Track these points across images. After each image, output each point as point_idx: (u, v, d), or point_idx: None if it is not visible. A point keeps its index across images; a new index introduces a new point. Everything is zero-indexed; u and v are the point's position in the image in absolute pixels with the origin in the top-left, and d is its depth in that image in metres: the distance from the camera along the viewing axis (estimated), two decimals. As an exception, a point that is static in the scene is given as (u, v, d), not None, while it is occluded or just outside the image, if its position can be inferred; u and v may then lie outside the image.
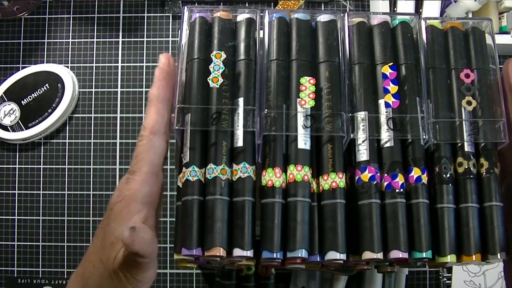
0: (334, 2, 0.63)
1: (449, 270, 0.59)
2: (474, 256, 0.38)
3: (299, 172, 0.38)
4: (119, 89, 0.64)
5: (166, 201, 0.61)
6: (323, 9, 0.63)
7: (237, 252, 0.37)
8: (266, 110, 0.39)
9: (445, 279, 0.58)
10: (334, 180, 0.38)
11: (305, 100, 0.39)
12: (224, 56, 0.40)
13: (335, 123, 0.39)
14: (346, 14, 0.42)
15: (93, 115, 0.64)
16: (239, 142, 0.39)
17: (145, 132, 0.36)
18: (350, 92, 0.40)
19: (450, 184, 0.39)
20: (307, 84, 0.39)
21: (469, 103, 0.40)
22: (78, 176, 0.63)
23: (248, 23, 0.41)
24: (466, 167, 0.39)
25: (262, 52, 0.41)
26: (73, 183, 0.63)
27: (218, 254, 0.37)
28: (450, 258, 0.38)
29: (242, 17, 0.42)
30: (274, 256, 0.37)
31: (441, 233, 0.38)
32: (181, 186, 0.39)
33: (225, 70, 0.40)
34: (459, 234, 0.39)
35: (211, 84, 0.39)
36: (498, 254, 0.38)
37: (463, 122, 0.40)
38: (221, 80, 0.39)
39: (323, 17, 0.42)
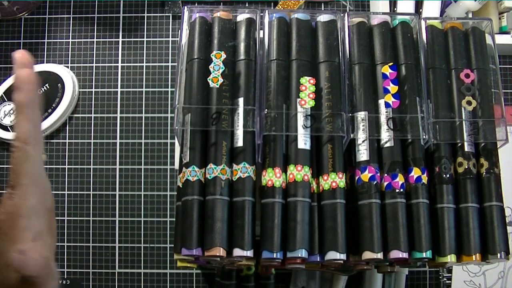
0: (334, 2, 0.63)
1: (449, 270, 0.59)
2: (474, 256, 0.38)
3: (299, 172, 0.38)
4: (119, 89, 0.64)
5: (166, 201, 0.61)
6: (323, 9, 0.63)
7: (237, 252, 0.37)
8: (266, 110, 0.39)
9: (445, 279, 0.58)
10: (334, 180, 0.38)
11: (305, 100, 0.39)
12: (224, 56, 0.40)
13: (335, 123, 0.39)
14: (346, 14, 0.42)
15: (93, 115, 0.64)
16: (239, 142, 0.39)
17: (18, 143, 0.33)
18: (350, 92, 0.40)
19: (450, 184, 0.39)
20: (307, 84, 0.39)
21: (469, 103, 0.40)
22: (78, 176, 0.63)
23: (248, 23, 0.41)
24: (466, 167, 0.39)
25: (262, 52, 0.41)
26: (73, 183, 0.62)
27: (218, 254, 0.37)
28: (450, 258, 0.38)
29: (242, 17, 0.42)
30: (274, 256, 0.37)
31: (441, 233, 0.38)
32: (181, 186, 0.39)
33: (225, 70, 0.39)
34: (459, 234, 0.39)
35: (211, 84, 0.39)
36: (498, 254, 0.38)
37: (463, 122, 0.40)
38: (221, 80, 0.39)
39: (323, 17, 0.42)
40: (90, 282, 0.61)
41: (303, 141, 0.39)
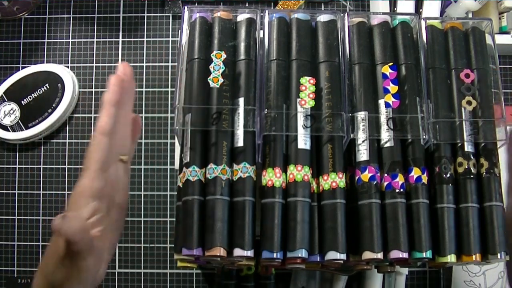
0: (334, 2, 0.63)
1: (449, 270, 0.59)
2: (474, 256, 0.38)
3: (299, 172, 0.38)
4: (119, 89, 0.64)
5: (166, 201, 0.61)
6: (323, 9, 0.63)
7: (237, 252, 0.37)
8: (266, 110, 0.39)
9: (445, 279, 0.58)
10: (334, 180, 0.38)
11: (305, 100, 0.39)
12: (224, 56, 0.40)
13: (335, 123, 0.39)
14: (346, 14, 0.42)
15: (93, 115, 0.64)
16: (240, 142, 0.39)
17: (96, 133, 0.38)
18: (350, 92, 0.40)
19: (450, 184, 0.39)
20: (307, 84, 0.39)
21: (469, 103, 0.40)
22: (78, 176, 0.62)
23: (248, 23, 0.41)
24: (466, 167, 0.39)
25: (262, 52, 0.41)
26: (73, 183, 0.62)
27: (218, 254, 0.37)
28: (450, 258, 0.38)
29: (242, 17, 0.42)
30: (274, 256, 0.37)
31: (441, 233, 0.38)
32: (181, 186, 0.39)
33: (225, 70, 0.39)
34: (459, 234, 0.39)
35: (212, 84, 0.39)
36: (498, 254, 0.38)
37: (463, 122, 0.40)
38: (221, 80, 0.39)
39: (323, 17, 0.42)
40: (90, 282, 0.61)
41: (303, 141, 0.39)
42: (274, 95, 0.39)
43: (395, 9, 0.59)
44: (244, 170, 0.38)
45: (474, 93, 0.40)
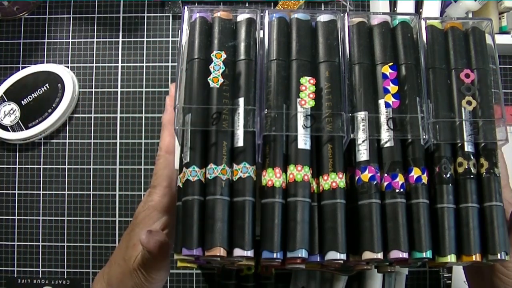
0: (334, 2, 0.63)
1: (449, 270, 0.59)
2: (474, 256, 0.38)
3: (299, 172, 0.38)
4: (119, 89, 0.64)
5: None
6: (323, 9, 0.63)
7: (237, 252, 0.37)
8: (266, 110, 0.39)
9: (445, 279, 0.58)
10: (334, 180, 0.38)
11: (305, 100, 0.39)
12: (224, 56, 0.40)
13: (335, 123, 0.39)
14: (346, 14, 0.42)
15: (93, 115, 0.64)
16: (240, 142, 0.39)
17: (162, 152, 0.42)
18: (350, 92, 0.40)
19: (450, 184, 0.39)
20: (307, 84, 0.39)
21: (469, 103, 0.40)
22: (78, 176, 0.63)
23: (248, 23, 0.41)
24: (466, 167, 0.39)
25: (262, 52, 0.41)
26: (73, 183, 0.62)
27: (218, 254, 0.37)
28: (450, 258, 0.38)
29: (242, 17, 0.42)
30: (274, 256, 0.37)
31: (441, 233, 0.38)
32: (181, 186, 0.39)
33: (225, 70, 0.39)
34: (459, 234, 0.39)
35: (211, 84, 0.39)
36: (498, 254, 0.38)
37: (463, 122, 0.40)
38: (221, 80, 0.39)
39: (323, 17, 0.42)
40: (90, 282, 0.61)
41: (303, 141, 0.39)
42: (274, 95, 0.39)
43: (395, 9, 0.59)
44: (244, 170, 0.38)
45: (474, 93, 0.40)
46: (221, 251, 0.37)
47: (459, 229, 0.39)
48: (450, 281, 0.59)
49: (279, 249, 0.37)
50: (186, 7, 0.42)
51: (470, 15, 0.59)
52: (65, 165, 0.63)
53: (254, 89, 0.40)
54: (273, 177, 0.38)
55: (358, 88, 0.40)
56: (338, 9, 0.62)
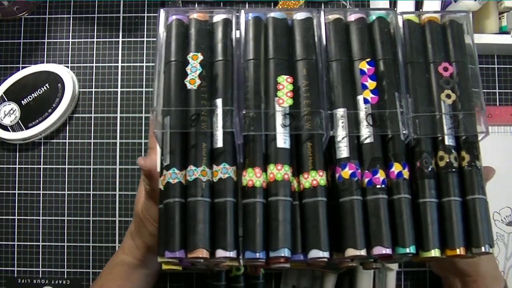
0: (334, 2, 0.63)
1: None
2: (458, 250, 0.38)
3: (279, 171, 0.38)
4: (119, 89, 0.64)
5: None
6: (323, 8, 0.63)
7: (219, 253, 0.37)
8: (244, 110, 0.39)
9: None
10: (315, 178, 0.38)
11: (283, 99, 0.39)
12: (201, 57, 0.40)
13: (314, 121, 0.39)
14: (322, 12, 0.41)
15: (93, 115, 0.64)
16: (219, 143, 0.39)
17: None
18: (328, 89, 0.40)
19: (432, 179, 0.39)
20: (285, 82, 0.39)
21: (448, 96, 0.40)
22: (78, 176, 0.63)
23: (225, 23, 0.41)
24: (448, 160, 0.39)
25: (239, 52, 0.41)
26: (73, 183, 0.62)
27: (201, 256, 0.36)
28: (435, 253, 0.38)
29: (218, 17, 0.42)
30: (257, 256, 0.37)
31: (424, 227, 0.38)
32: (162, 189, 0.39)
33: (203, 71, 0.39)
34: (442, 228, 0.39)
35: (189, 86, 0.39)
36: (483, 247, 0.38)
37: (443, 115, 0.40)
38: (198, 81, 0.39)
39: (299, 15, 0.42)
40: (90, 282, 0.61)
41: (283, 140, 0.39)
42: (252, 95, 0.39)
43: (395, 9, 0.59)
44: (224, 171, 0.38)
45: (453, 86, 0.40)
46: (203, 253, 0.37)
47: (443, 223, 0.39)
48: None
49: (261, 249, 0.37)
50: (162, 9, 0.42)
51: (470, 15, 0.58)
52: (65, 165, 0.63)
53: (232, 90, 0.40)
54: (253, 177, 0.38)
55: (336, 85, 0.40)
56: (339, 9, 0.61)
